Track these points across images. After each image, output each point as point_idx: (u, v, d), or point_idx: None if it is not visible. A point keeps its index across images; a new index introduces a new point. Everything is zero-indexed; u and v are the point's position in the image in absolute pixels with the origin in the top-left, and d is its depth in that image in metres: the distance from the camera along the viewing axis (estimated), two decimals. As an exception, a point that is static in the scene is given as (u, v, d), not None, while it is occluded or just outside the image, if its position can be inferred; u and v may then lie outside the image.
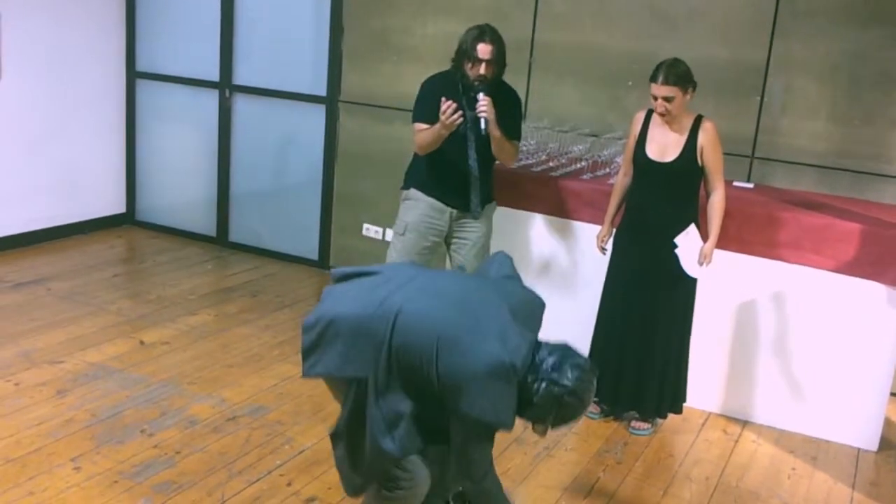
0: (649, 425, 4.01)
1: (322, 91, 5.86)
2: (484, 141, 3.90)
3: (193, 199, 6.50)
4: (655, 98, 3.68)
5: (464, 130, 3.91)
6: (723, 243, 4.04)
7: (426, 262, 4.20)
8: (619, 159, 4.61)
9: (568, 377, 2.41)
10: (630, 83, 4.92)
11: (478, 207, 4.07)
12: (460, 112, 3.75)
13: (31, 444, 3.49)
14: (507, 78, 4.05)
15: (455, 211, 4.08)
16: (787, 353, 4.07)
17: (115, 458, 3.44)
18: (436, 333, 2.42)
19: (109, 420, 3.73)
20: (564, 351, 2.48)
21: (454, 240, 4.17)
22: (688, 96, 3.70)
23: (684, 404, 4.03)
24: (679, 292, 3.85)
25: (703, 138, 3.71)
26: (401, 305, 2.49)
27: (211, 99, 6.25)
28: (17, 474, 3.27)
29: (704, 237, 3.80)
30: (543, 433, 2.52)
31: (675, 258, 3.78)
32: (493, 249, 4.12)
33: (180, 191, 6.59)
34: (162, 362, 4.35)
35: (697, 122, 3.74)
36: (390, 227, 5.78)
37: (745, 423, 4.17)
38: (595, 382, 2.51)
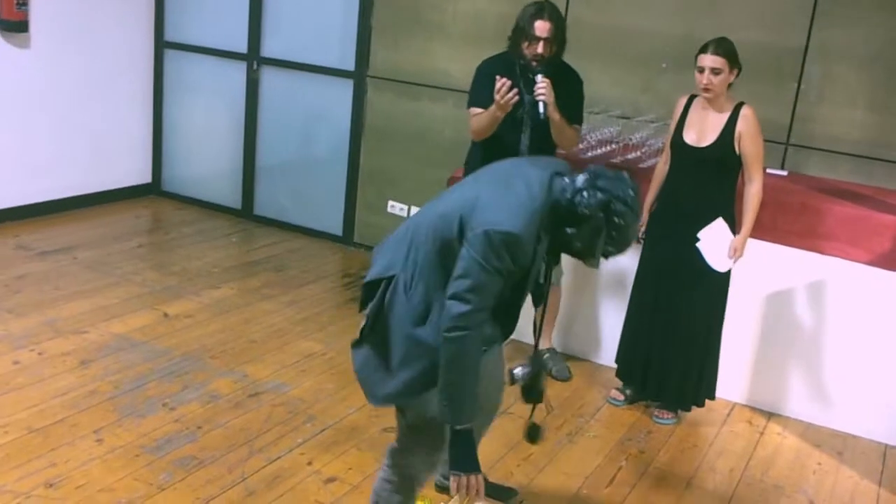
0: (673, 415, 3.96)
1: (350, 66, 5.81)
2: (543, 126, 3.74)
3: (219, 172, 6.49)
4: (701, 71, 3.58)
5: (521, 114, 3.78)
6: (755, 232, 3.95)
7: None
8: (650, 142, 4.55)
9: (608, 186, 2.31)
10: (664, 65, 4.83)
11: None
12: (516, 90, 3.59)
13: (54, 414, 3.51)
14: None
15: None
16: (817, 346, 4.00)
17: (136, 431, 3.45)
18: (462, 201, 2.36)
19: (132, 392, 3.74)
20: (595, 169, 2.37)
21: None
22: (732, 76, 3.61)
23: (710, 401, 3.97)
24: (710, 284, 3.78)
25: (742, 125, 3.62)
26: (444, 197, 2.49)
27: (238, 71, 6.22)
28: (40, 445, 3.28)
29: (739, 228, 3.72)
30: (597, 265, 2.42)
31: (699, 252, 3.71)
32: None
33: (206, 162, 6.57)
34: (185, 335, 4.34)
35: (738, 108, 3.65)
36: (415, 204, 5.77)
37: (770, 415, 4.12)
38: (638, 192, 2.38)
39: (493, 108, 3.67)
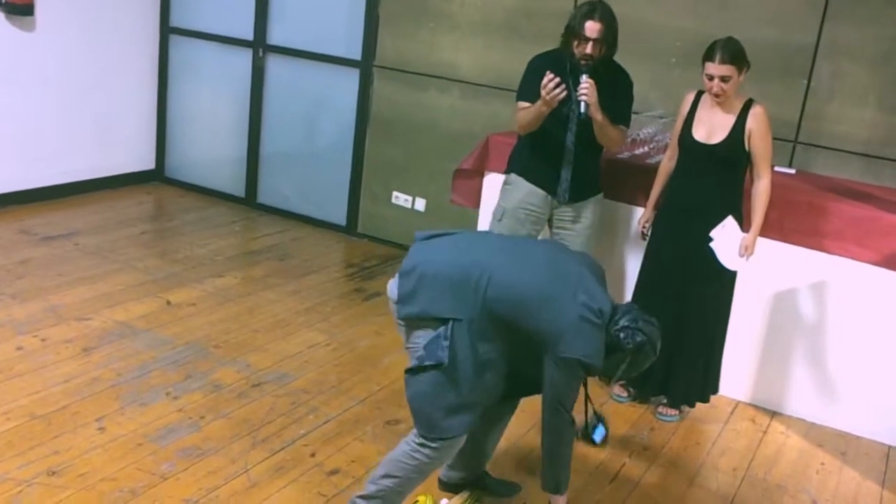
0: (677, 412, 3.95)
1: (357, 55, 5.78)
2: (589, 124, 3.74)
3: (223, 159, 6.47)
4: (711, 78, 3.57)
5: (567, 111, 3.77)
6: (762, 230, 3.94)
7: None
8: (658, 138, 4.53)
9: (646, 330, 2.66)
10: (673, 60, 4.81)
11: (566, 193, 3.92)
12: (563, 87, 3.57)
13: (56, 401, 3.50)
14: (536, 45, 3.93)
15: (556, 199, 3.97)
16: (822, 345, 3.99)
17: (139, 419, 3.44)
18: (530, 291, 2.63)
19: (135, 381, 3.73)
20: (636, 310, 2.71)
21: (556, 230, 4.05)
22: (742, 77, 3.59)
23: (714, 395, 3.96)
24: (717, 282, 3.76)
25: (752, 123, 3.60)
26: (494, 263, 2.69)
27: (244, 58, 6.19)
28: (43, 432, 3.27)
29: (747, 226, 3.71)
30: (609, 382, 2.83)
31: (711, 252, 3.70)
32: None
33: (210, 150, 6.55)
34: (188, 324, 4.33)
35: (748, 105, 3.63)
36: (420, 195, 5.75)
37: (773, 414, 4.11)
38: (659, 337, 2.72)
39: (539, 103, 3.66)
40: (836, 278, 3.91)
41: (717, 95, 3.59)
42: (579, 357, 2.59)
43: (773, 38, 4.57)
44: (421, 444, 2.72)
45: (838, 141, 4.55)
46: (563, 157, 3.88)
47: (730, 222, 3.69)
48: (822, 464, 3.74)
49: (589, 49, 3.68)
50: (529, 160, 3.97)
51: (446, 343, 2.62)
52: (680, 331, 3.80)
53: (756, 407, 4.16)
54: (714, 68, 3.54)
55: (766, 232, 3.92)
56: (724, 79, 3.54)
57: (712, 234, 3.69)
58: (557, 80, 3.57)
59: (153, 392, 3.65)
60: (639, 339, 2.64)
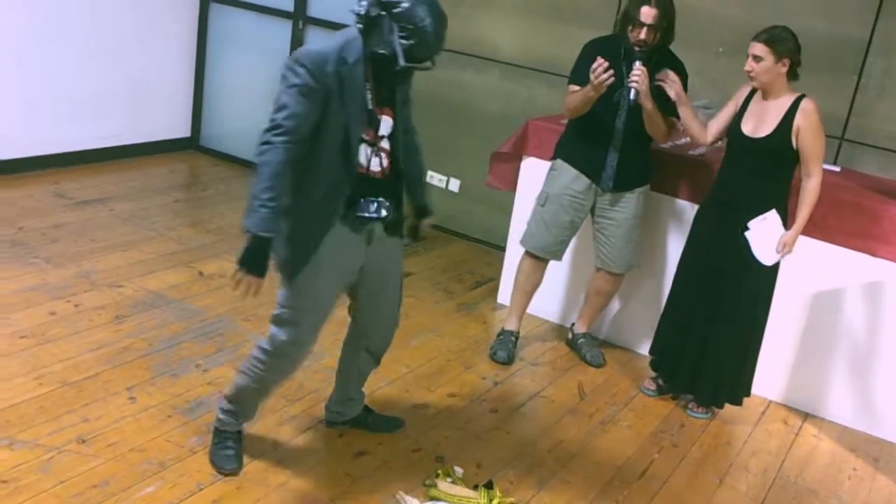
0: (708, 409, 3.90)
1: (397, 31, 5.71)
2: (638, 112, 3.70)
3: (258, 130, 6.41)
4: (748, 56, 3.52)
5: (618, 98, 3.73)
6: (805, 229, 3.87)
7: (566, 238, 4.06)
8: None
9: None
10: (720, 49, 4.72)
11: (610, 180, 3.88)
12: (611, 72, 3.54)
13: (88, 368, 3.51)
14: (580, 28, 3.86)
15: (600, 187, 3.92)
16: (859, 349, 3.92)
17: (169, 391, 3.44)
18: None
19: (166, 351, 3.73)
20: None
21: (597, 219, 4.01)
22: (781, 66, 3.50)
23: (747, 398, 3.89)
24: (754, 280, 3.68)
25: (800, 119, 3.52)
26: None
27: (283, 29, 6.15)
28: (74, 399, 3.28)
29: (791, 224, 3.63)
30: (402, 62, 2.56)
31: (746, 242, 3.62)
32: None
33: (245, 120, 6.51)
34: (219, 295, 4.33)
35: (798, 101, 3.54)
36: (454, 176, 5.70)
37: (806, 416, 4.05)
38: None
39: (587, 87, 3.62)
40: (879, 282, 3.83)
41: (748, 72, 3.54)
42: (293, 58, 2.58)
43: (824, 30, 4.46)
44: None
45: (887, 140, 4.44)
46: (611, 143, 3.83)
47: (772, 215, 3.61)
48: (855, 469, 3.68)
49: (643, 35, 3.63)
50: (576, 145, 3.92)
51: None
52: (712, 327, 3.74)
53: (788, 408, 4.10)
54: (750, 46, 3.50)
55: (809, 230, 3.84)
56: (756, 58, 3.49)
57: (750, 224, 3.61)
58: (606, 65, 3.53)
59: (183, 363, 3.66)
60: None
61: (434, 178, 5.74)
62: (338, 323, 4.24)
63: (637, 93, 3.61)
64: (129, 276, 4.39)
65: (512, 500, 3.07)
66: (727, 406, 3.94)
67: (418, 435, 3.39)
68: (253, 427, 3.28)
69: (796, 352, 4.05)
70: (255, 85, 6.40)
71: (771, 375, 4.09)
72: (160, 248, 4.78)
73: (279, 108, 2.61)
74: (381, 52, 2.58)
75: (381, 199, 2.81)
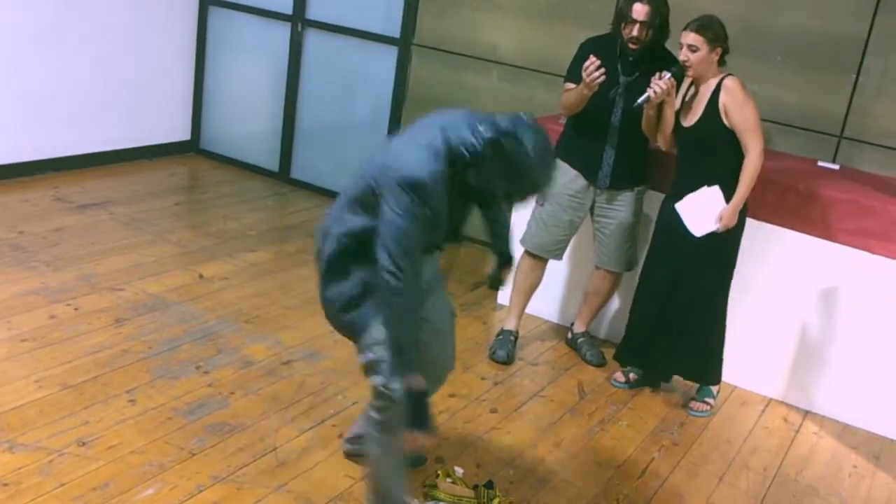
0: (708, 407, 3.91)
1: (396, 32, 5.72)
2: (636, 115, 3.71)
3: (258, 133, 6.45)
4: (681, 47, 3.55)
5: (614, 95, 3.74)
6: (803, 227, 3.89)
7: (565, 237, 4.06)
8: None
9: (502, 123, 2.36)
10: (718, 49, 4.71)
11: (607, 178, 3.89)
12: (603, 71, 3.56)
13: (88, 371, 3.51)
14: (580, 28, 3.87)
15: (596, 185, 3.93)
16: (858, 346, 3.91)
17: (169, 393, 3.44)
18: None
19: (166, 353, 3.74)
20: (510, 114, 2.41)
21: (595, 218, 4.03)
22: (713, 55, 3.53)
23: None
24: (711, 267, 3.72)
25: (724, 97, 3.53)
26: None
27: (282, 32, 6.15)
28: (74, 402, 3.29)
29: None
30: (505, 209, 2.53)
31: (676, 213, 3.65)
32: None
33: (246, 123, 6.54)
34: (219, 298, 4.33)
35: (721, 82, 3.56)
36: (454, 177, 5.70)
37: (806, 413, 4.05)
38: (541, 134, 2.38)
39: (580, 85, 3.65)
40: (878, 279, 3.82)
41: (683, 62, 3.55)
42: (400, 175, 2.34)
43: (821, 28, 4.47)
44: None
45: (885, 138, 4.44)
46: (607, 140, 3.84)
47: (714, 189, 3.60)
48: (855, 467, 3.68)
49: (635, 32, 3.65)
50: (573, 143, 3.93)
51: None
52: (676, 312, 3.77)
53: (788, 405, 4.09)
54: (683, 35, 3.54)
55: (808, 228, 3.87)
56: (691, 48, 3.51)
57: (686, 197, 3.63)
58: (598, 63, 3.55)
59: (183, 366, 3.66)
60: (489, 134, 2.33)
61: (433, 179, 5.74)
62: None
63: (647, 98, 3.60)
64: (129, 279, 4.40)
65: (512, 500, 3.07)
66: (727, 404, 3.95)
67: (418, 435, 3.39)
68: (253, 428, 3.28)
69: (796, 349, 4.04)
70: (254, 87, 6.42)
71: (771, 373, 4.09)
72: (160, 251, 4.79)
73: (404, 251, 2.38)
74: (480, 187, 2.44)
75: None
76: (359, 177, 2.57)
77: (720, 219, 3.59)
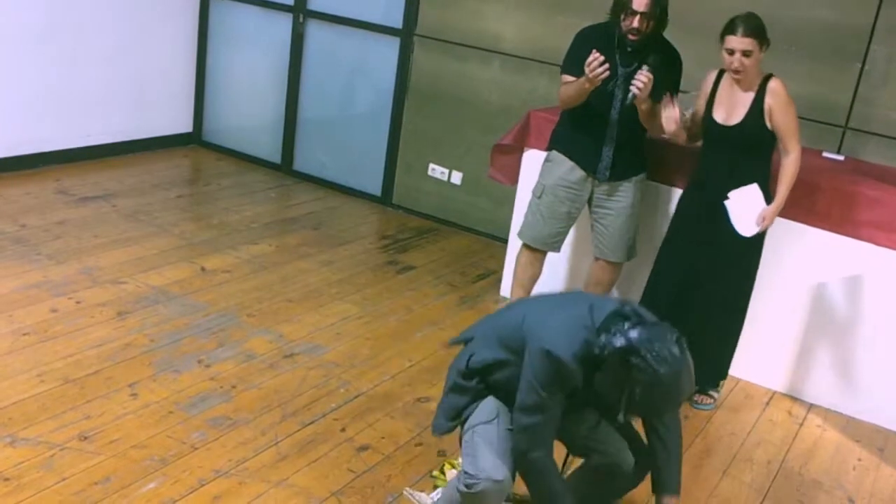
0: (711, 400, 3.89)
1: (398, 23, 5.69)
2: (634, 106, 3.68)
3: (260, 125, 6.43)
4: (731, 53, 3.45)
5: (612, 87, 3.70)
6: (808, 218, 3.86)
7: (563, 229, 4.03)
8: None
9: (638, 332, 2.13)
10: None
11: (606, 171, 3.85)
12: (607, 66, 3.50)
13: (90, 365, 3.51)
14: (583, 19, 3.83)
15: (596, 178, 3.89)
16: (864, 339, 3.89)
17: (171, 387, 3.44)
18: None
19: (168, 347, 3.73)
20: (650, 317, 2.24)
21: (594, 209, 3.99)
22: (762, 54, 3.48)
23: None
24: (735, 269, 3.68)
25: (770, 99, 3.48)
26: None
27: (284, 23, 6.13)
28: (76, 396, 3.28)
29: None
30: (623, 419, 2.25)
31: (725, 210, 3.58)
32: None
33: (248, 115, 6.52)
34: (222, 291, 4.32)
35: (766, 82, 3.51)
36: (456, 169, 5.68)
37: (810, 406, 4.03)
38: (682, 362, 2.14)
39: (582, 79, 3.59)
40: (883, 271, 3.80)
41: (736, 71, 3.47)
42: (543, 345, 2.25)
43: (826, 18, 4.43)
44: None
45: (890, 128, 4.41)
46: (606, 134, 3.80)
47: (753, 188, 3.57)
48: (859, 460, 3.66)
49: (636, 23, 3.60)
50: (571, 136, 3.90)
51: None
52: (691, 314, 3.70)
53: (793, 398, 4.07)
54: (736, 41, 3.43)
55: (813, 220, 3.84)
56: (745, 53, 3.43)
57: (731, 193, 3.58)
58: (602, 58, 3.49)
59: (185, 359, 3.65)
60: (619, 343, 2.13)
61: (436, 170, 5.73)
62: (338, 316, 4.26)
63: (634, 96, 3.58)
64: (132, 272, 4.39)
65: (515, 492, 3.06)
66: (731, 397, 3.94)
67: (420, 429, 3.38)
68: (255, 422, 3.28)
69: (801, 342, 4.02)
70: (256, 79, 6.39)
71: (775, 366, 4.07)
72: (162, 244, 4.78)
73: (543, 421, 2.34)
74: (601, 392, 2.25)
75: None
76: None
77: (762, 219, 3.56)
